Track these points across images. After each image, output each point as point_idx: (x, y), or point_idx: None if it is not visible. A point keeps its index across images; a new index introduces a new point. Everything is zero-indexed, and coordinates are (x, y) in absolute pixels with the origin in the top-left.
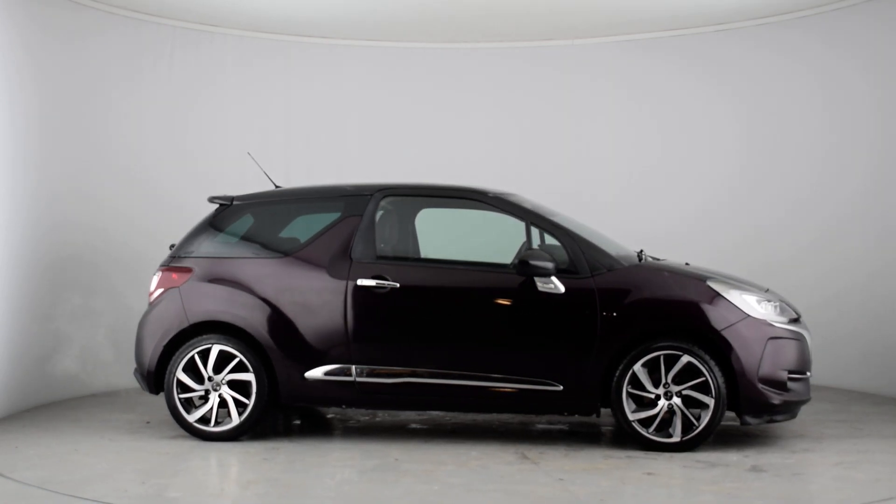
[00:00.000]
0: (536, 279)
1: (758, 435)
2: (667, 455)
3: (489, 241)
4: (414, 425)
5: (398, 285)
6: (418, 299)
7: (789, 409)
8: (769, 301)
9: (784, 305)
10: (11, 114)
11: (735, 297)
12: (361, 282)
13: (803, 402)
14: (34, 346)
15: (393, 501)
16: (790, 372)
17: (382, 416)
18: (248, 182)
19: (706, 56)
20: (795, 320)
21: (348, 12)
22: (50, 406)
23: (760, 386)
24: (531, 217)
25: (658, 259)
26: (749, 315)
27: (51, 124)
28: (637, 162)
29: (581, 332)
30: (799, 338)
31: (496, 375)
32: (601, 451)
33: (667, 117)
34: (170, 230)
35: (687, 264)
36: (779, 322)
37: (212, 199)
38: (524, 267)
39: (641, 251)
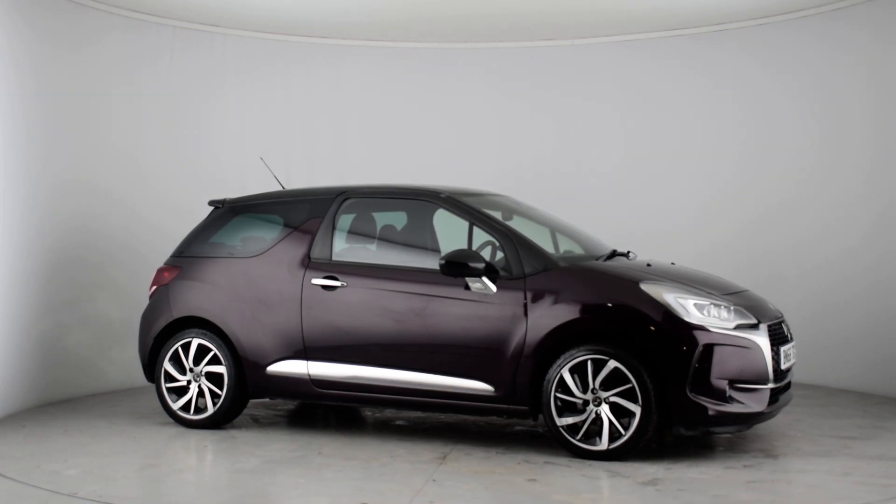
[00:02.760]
0: (468, 279)
1: (728, 448)
2: (587, 463)
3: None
4: (399, 422)
5: (345, 285)
6: (363, 299)
7: (734, 421)
8: (717, 305)
9: (742, 310)
10: (13, 113)
11: (669, 300)
12: (314, 280)
13: (756, 415)
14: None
15: (242, 489)
16: (735, 382)
17: (387, 413)
18: (247, 182)
19: (705, 56)
20: (752, 326)
21: (348, 12)
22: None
23: (692, 395)
24: (474, 217)
25: (635, 257)
26: (683, 319)
27: (52, 123)
28: (637, 161)
29: (511, 334)
30: (748, 346)
31: (435, 375)
32: (529, 455)
33: (666, 117)
34: (168, 227)
35: (662, 264)
36: (722, 328)
37: (210, 202)
38: (448, 267)
39: (614, 251)
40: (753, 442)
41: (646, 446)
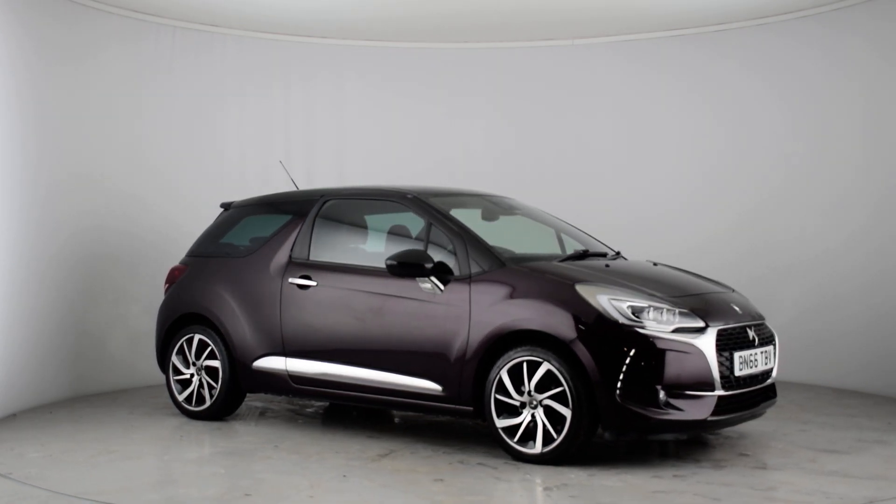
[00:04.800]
0: (418, 279)
1: (684, 456)
2: (518, 466)
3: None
4: (397, 420)
5: (316, 284)
6: (331, 297)
7: (670, 429)
8: (658, 308)
9: (689, 314)
10: (14, 112)
11: (602, 302)
12: (291, 280)
13: (698, 423)
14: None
15: (157, 476)
16: (672, 388)
17: (397, 413)
18: (247, 180)
19: (706, 56)
20: (698, 330)
21: (348, 12)
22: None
23: (622, 400)
24: (434, 217)
25: (614, 257)
26: (614, 322)
27: (52, 123)
28: (637, 160)
29: (456, 334)
30: (687, 350)
31: (391, 373)
32: (471, 456)
33: (666, 116)
34: (179, 223)
35: (628, 264)
36: (657, 331)
37: (221, 205)
38: (395, 268)
39: (585, 250)
40: (719, 450)
41: (618, 449)
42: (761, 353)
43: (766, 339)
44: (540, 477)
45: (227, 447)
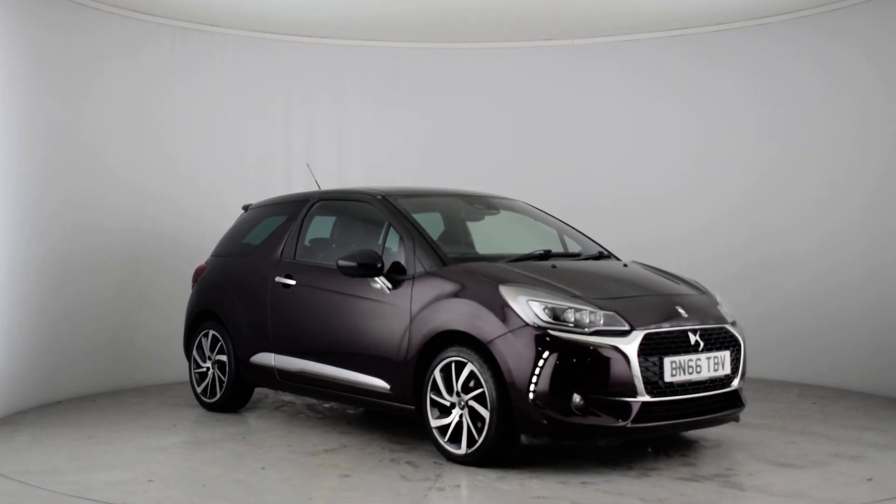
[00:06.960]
0: (370, 280)
1: (617, 462)
2: (443, 466)
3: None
4: None
5: (294, 283)
6: (306, 296)
7: (587, 434)
8: (579, 310)
9: (614, 316)
10: (15, 114)
11: (521, 303)
12: (277, 279)
13: (618, 429)
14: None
15: (101, 458)
16: (588, 392)
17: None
18: (248, 182)
19: (706, 56)
20: (621, 333)
21: (348, 12)
22: None
23: (535, 403)
24: (393, 217)
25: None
26: (529, 324)
27: (52, 124)
28: (637, 161)
29: (400, 334)
30: (606, 354)
31: (351, 371)
32: (406, 456)
33: (667, 117)
34: (164, 226)
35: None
36: (574, 334)
37: (243, 207)
38: (343, 269)
39: (548, 251)
40: (667, 459)
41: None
42: (707, 358)
43: (718, 345)
44: (449, 477)
45: (200, 437)
